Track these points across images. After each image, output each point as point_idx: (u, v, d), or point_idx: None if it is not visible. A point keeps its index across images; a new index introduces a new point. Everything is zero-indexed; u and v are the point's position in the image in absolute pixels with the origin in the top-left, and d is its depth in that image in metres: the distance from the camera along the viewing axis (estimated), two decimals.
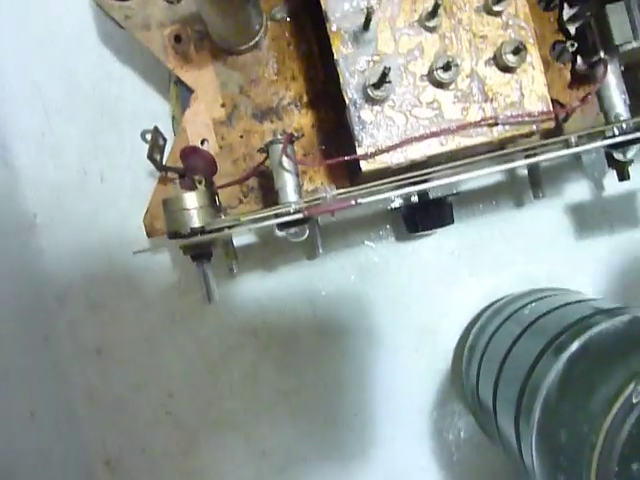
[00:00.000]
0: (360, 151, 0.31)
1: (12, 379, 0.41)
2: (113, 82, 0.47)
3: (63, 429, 0.45)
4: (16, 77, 0.47)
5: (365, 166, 0.31)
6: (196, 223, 0.32)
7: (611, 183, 0.46)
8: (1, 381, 0.39)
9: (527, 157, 0.38)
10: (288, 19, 0.39)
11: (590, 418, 0.27)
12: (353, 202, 0.28)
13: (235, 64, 0.39)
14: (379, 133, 0.31)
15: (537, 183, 0.42)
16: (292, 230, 0.33)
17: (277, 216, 0.30)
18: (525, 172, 0.44)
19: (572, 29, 0.38)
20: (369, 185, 0.31)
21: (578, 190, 0.47)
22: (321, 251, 0.40)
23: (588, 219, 0.47)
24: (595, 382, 0.29)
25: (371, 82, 0.30)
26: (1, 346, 0.40)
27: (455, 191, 0.41)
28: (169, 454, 0.47)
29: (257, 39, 0.38)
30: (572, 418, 0.29)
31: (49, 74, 0.47)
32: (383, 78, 0.29)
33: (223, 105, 0.39)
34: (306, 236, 0.33)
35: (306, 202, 0.31)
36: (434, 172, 0.32)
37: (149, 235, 0.39)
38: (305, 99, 0.39)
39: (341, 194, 0.30)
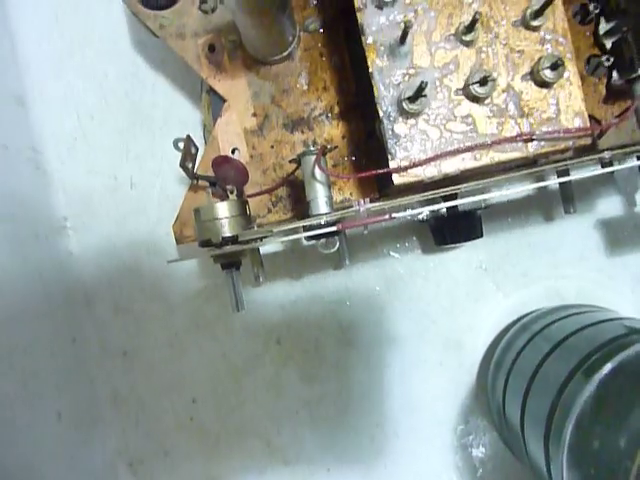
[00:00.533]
0: (393, 164, 0.31)
1: (41, 380, 0.41)
2: (146, 89, 0.48)
3: (88, 430, 0.46)
4: (50, 82, 0.48)
5: (397, 179, 0.31)
6: (227, 233, 0.32)
7: None
8: (30, 381, 0.40)
9: (560, 173, 0.38)
10: (321, 30, 0.39)
11: (625, 441, 0.27)
12: (388, 216, 0.28)
13: (267, 74, 0.39)
14: (413, 147, 0.31)
15: (569, 198, 0.41)
16: (322, 241, 0.33)
17: (310, 228, 0.30)
18: (556, 186, 0.43)
19: (608, 43, 0.37)
20: (402, 199, 0.31)
21: (610, 205, 0.46)
22: (348, 262, 0.40)
23: (620, 235, 0.46)
24: (630, 405, 0.28)
25: (406, 95, 0.30)
26: (30, 347, 0.41)
27: (484, 205, 0.41)
28: (191, 458, 0.47)
29: (290, 50, 0.38)
30: (606, 440, 0.28)
31: (83, 80, 0.48)
32: (419, 92, 0.29)
33: (255, 115, 0.39)
34: (336, 248, 0.33)
35: (338, 215, 0.31)
36: (466, 187, 0.32)
37: (178, 242, 0.40)
38: (336, 110, 0.39)
39: (374, 208, 0.30)
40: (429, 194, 0.31)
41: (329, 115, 0.39)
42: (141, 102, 0.48)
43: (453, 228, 0.41)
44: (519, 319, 0.45)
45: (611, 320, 0.39)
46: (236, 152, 0.39)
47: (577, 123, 0.31)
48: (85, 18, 0.48)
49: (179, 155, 0.39)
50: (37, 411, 0.40)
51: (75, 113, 0.48)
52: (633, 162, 0.32)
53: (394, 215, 0.28)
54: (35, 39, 0.48)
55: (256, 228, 0.33)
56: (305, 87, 0.39)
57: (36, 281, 0.44)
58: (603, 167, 0.36)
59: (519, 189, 0.30)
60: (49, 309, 0.44)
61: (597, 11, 0.37)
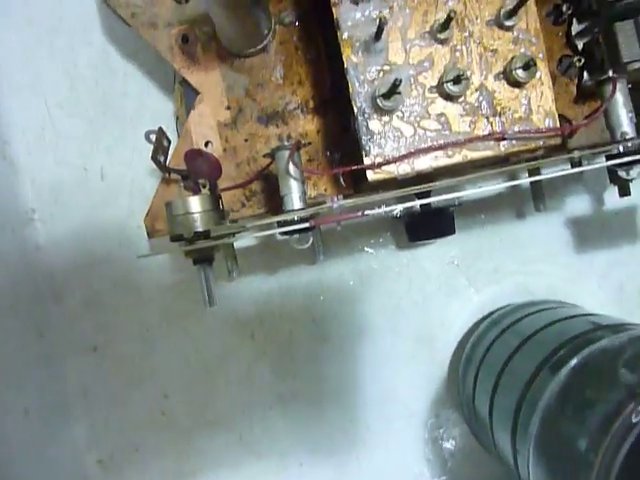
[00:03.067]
0: (367, 161, 0.31)
1: (7, 375, 0.40)
2: (116, 79, 0.47)
3: (57, 427, 0.45)
4: (18, 71, 0.47)
5: (371, 176, 0.31)
6: (200, 227, 0.32)
7: (611, 198, 0.47)
8: None
9: (531, 171, 0.39)
10: (297, 24, 0.38)
11: (589, 435, 0.28)
12: (360, 213, 0.28)
13: (242, 67, 0.39)
14: (387, 143, 0.31)
15: (539, 196, 0.42)
16: (295, 237, 0.33)
17: (283, 224, 0.30)
18: (527, 184, 0.44)
19: (580, 44, 0.38)
20: (376, 196, 0.31)
21: (579, 204, 0.47)
22: (322, 257, 0.40)
23: (588, 233, 0.47)
24: (594, 399, 0.29)
25: (381, 92, 0.30)
26: None
27: (457, 202, 0.41)
28: (163, 454, 0.47)
29: (265, 43, 0.38)
30: (570, 434, 0.29)
31: (52, 68, 0.47)
32: (393, 89, 0.29)
33: (228, 108, 0.39)
34: (310, 243, 0.33)
35: (312, 210, 0.31)
36: (439, 185, 0.32)
37: (149, 236, 0.39)
38: (311, 104, 0.39)
39: (348, 204, 0.30)
40: (403, 191, 0.31)
41: (304, 109, 0.39)
42: (112, 92, 0.47)
43: (426, 225, 0.42)
44: (489, 314, 0.46)
45: (578, 316, 0.40)
46: (209, 145, 0.39)
47: (548, 123, 0.32)
48: (54, 5, 0.47)
49: (151, 146, 0.38)
50: (3, 408, 0.40)
51: (44, 102, 0.47)
52: (602, 162, 0.33)
53: (367, 212, 0.28)
54: (2, 26, 0.47)
55: (229, 223, 0.33)
56: (280, 81, 0.39)
57: (1, 274, 0.43)
58: (573, 166, 0.36)
59: (491, 188, 0.30)
60: (15, 303, 0.43)
61: (570, 12, 0.37)
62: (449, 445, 0.47)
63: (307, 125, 0.39)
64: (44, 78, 0.47)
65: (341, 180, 0.37)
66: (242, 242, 0.46)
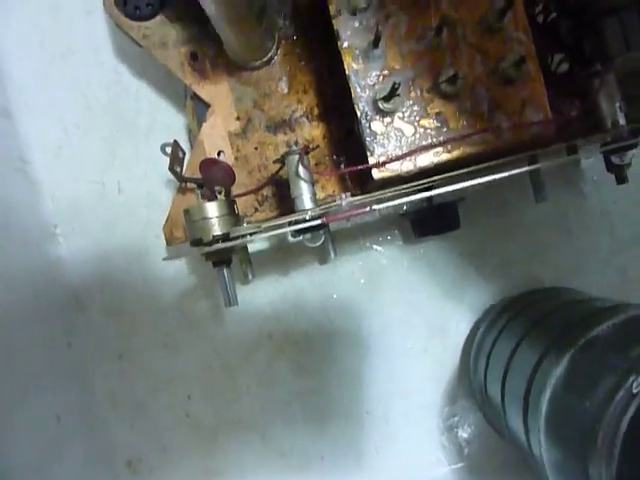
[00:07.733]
0: (372, 160, 0.33)
1: (39, 384, 0.42)
2: (129, 96, 0.49)
3: (87, 431, 0.47)
4: (35, 93, 0.49)
5: (377, 174, 0.33)
6: (218, 231, 0.34)
7: (609, 186, 0.48)
8: (29, 386, 0.41)
9: (529, 163, 0.40)
10: (299, 36, 0.40)
11: (593, 408, 0.29)
12: (368, 209, 0.30)
13: (249, 80, 0.41)
14: (389, 143, 0.33)
15: (539, 187, 0.44)
16: (307, 236, 0.35)
17: (296, 223, 0.32)
18: (527, 178, 0.46)
19: (569, 41, 0.40)
20: (383, 192, 0.33)
21: (578, 193, 0.49)
22: (333, 255, 0.42)
23: (588, 221, 0.49)
24: (597, 376, 0.31)
25: (381, 96, 0.32)
26: (27, 353, 0.42)
27: (460, 196, 0.43)
28: (189, 454, 0.48)
29: (270, 55, 0.40)
30: (577, 410, 0.31)
31: (67, 90, 0.49)
32: (393, 92, 0.31)
33: (238, 118, 0.41)
34: (322, 241, 0.34)
35: (323, 209, 0.32)
36: (442, 179, 0.34)
37: (168, 243, 0.41)
38: (316, 112, 0.41)
39: (356, 201, 0.32)
40: (408, 186, 0.33)
41: (309, 117, 0.41)
42: (125, 109, 0.49)
43: (431, 221, 0.43)
44: (498, 303, 0.48)
45: (581, 301, 0.41)
46: (221, 155, 0.41)
47: (540, 116, 0.33)
48: (66, 28, 0.49)
49: (165, 159, 0.40)
50: (37, 414, 0.41)
51: (60, 122, 0.49)
52: (595, 150, 0.34)
53: (374, 207, 0.30)
54: (17, 50, 0.49)
55: (245, 225, 0.35)
56: (285, 91, 0.41)
57: (29, 288, 0.45)
58: (569, 155, 0.38)
59: (491, 178, 0.32)
60: (44, 315, 0.45)
61: (558, 10, 0.39)
62: (464, 432, 0.48)
63: (313, 131, 0.41)
64: (59, 99, 0.49)
65: (348, 181, 0.39)
66: (255, 246, 0.48)
